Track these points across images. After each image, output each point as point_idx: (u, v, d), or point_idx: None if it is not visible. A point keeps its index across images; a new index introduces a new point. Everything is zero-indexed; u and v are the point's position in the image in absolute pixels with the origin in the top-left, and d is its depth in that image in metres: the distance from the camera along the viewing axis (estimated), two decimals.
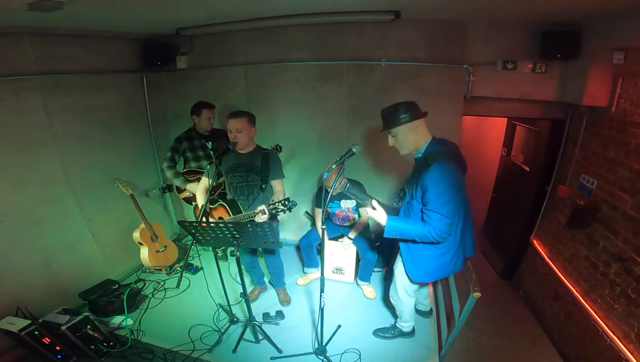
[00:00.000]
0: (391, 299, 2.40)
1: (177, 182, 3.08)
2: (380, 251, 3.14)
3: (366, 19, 2.86)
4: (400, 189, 2.09)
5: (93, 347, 2.36)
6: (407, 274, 2.07)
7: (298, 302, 2.99)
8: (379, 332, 2.57)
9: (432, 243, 1.80)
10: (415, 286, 2.20)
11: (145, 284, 3.17)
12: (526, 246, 3.32)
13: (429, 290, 2.81)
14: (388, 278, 2.90)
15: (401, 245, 2.04)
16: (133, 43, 3.30)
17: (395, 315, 2.55)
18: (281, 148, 3.16)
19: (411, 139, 1.82)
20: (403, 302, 2.30)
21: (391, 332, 2.54)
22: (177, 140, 3.07)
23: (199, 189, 2.62)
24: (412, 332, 2.54)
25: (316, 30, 3.09)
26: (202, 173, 2.97)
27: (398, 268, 2.16)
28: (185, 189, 3.16)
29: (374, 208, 1.79)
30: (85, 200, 2.95)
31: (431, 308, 2.82)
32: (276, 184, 2.46)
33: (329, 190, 1.92)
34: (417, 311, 2.71)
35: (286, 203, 2.13)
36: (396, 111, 1.78)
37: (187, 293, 3.10)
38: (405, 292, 2.23)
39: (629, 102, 2.21)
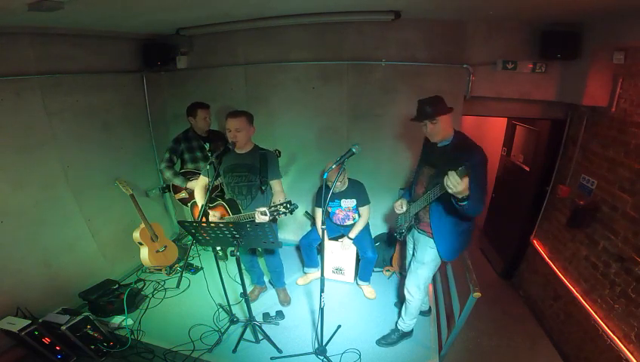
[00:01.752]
0: (406, 293, 2.36)
1: (177, 181, 3.07)
2: (380, 251, 3.14)
3: (366, 20, 2.86)
4: (431, 176, 2.11)
5: (93, 347, 2.36)
6: (440, 255, 2.15)
7: (298, 302, 2.99)
8: (382, 341, 2.52)
9: (466, 218, 1.99)
10: (437, 262, 2.24)
11: (145, 284, 3.17)
12: (526, 246, 3.32)
13: (429, 289, 2.80)
14: (404, 274, 2.83)
15: (434, 226, 2.12)
16: (133, 43, 3.30)
17: (399, 312, 2.53)
18: (280, 153, 3.15)
19: (447, 127, 2.00)
20: (421, 292, 2.31)
21: (392, 336, 2.52)
22: (175, 141, 3.06)
23: (197, 187, 2.61)
24: (411, 332, 2.54)
25: (316, 30, 3.09)
26: (199, 174, 2.96)
27: (428, 255, 2.19)
28: (182, 189, 3.16)
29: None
30: (85, 200, 2.95)
31: (430, 307, 2.82)
32: (275, 184, 2.46)
33: (330, 187, 1.96)
34: None
35: (288, 205, 2.12)
36: (441, 102, 1.98)
37: (187, 293, 3.10)
38: (425, 283, 2.27)
39: (629, 102, 2.21)
